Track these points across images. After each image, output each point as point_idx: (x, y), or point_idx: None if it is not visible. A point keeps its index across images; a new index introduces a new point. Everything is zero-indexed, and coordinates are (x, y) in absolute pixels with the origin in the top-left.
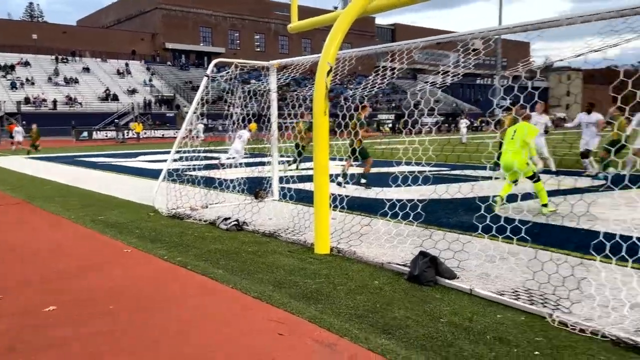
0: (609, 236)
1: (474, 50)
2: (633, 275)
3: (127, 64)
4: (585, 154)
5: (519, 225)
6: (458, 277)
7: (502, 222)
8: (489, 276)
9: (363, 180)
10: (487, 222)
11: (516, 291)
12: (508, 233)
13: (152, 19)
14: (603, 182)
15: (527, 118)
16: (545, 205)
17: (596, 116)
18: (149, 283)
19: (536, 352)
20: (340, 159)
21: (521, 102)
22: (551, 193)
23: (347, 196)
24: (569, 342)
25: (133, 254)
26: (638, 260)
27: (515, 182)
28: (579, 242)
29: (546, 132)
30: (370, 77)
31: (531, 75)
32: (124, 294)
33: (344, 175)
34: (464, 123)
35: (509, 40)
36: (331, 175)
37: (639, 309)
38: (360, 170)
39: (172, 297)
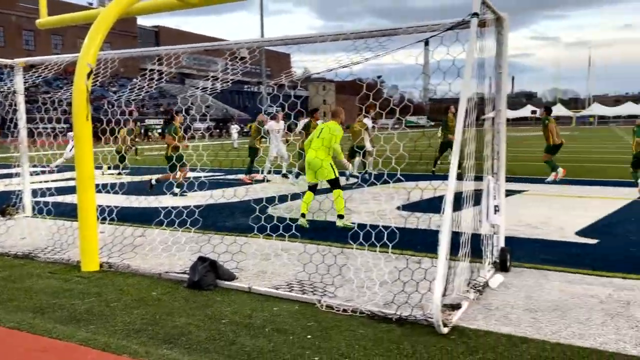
0: (362, 226)
1: (241, 58)
2: (381, 258)
3: None
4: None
5: (290, 223)
6: (237, 278)
7: (275, 222)
8: (266, 273)
9: (153, 182)
10: (262, 222)
11: (290, 284)
12: (281, 231)
13: None
14: (356, 180)
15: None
16: (341, 217)
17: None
18: None
19: (309, 336)
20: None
21: (329, 104)
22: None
23: (116, 207)
24: (335, 322)
25: None
26: (384, 245)
27: (314, 188)
28: (339, 233)
29: (287, 141)
30: (136, 80)
31: (293, 85)
32: None
33: (180, 185)
34: (234, 128)
35: (272, 51)
36: (97, 185)
37: (387, 286)
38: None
39: None
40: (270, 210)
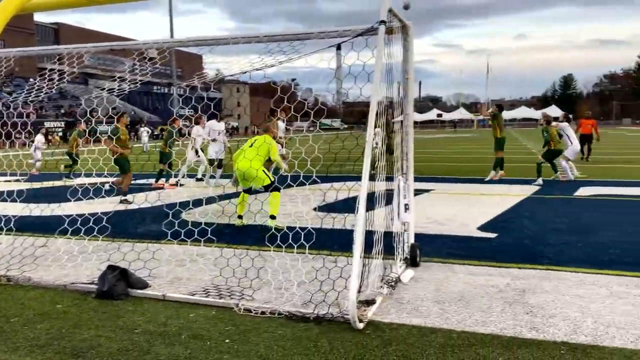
0: (279, 228)
1: (150, 59)
2: (298, 259)
3: None
4: (215, 161)
5: (205, 227)
6: (150, 286)
7: (189, 227)
8: (181, 279)
9: (123, 197)
10: (176, 227)
11: (206, 289)
12: (196, 236)
13: None
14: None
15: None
16: (273, 217)
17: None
18: None
19: (227, 340)
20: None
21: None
22: (234, 195)
23: (14, 216)
24: (253, 325)
25: None
26: (301, 246)
27: (249, 190)
28: (256, 236)
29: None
30: (35, 81)
31: (206, 87)
32: None
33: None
34: (144, 131)
35: (183, 52)
36: (2, 193)
37: (304, 286)
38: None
39: None
40: (184, 215)
